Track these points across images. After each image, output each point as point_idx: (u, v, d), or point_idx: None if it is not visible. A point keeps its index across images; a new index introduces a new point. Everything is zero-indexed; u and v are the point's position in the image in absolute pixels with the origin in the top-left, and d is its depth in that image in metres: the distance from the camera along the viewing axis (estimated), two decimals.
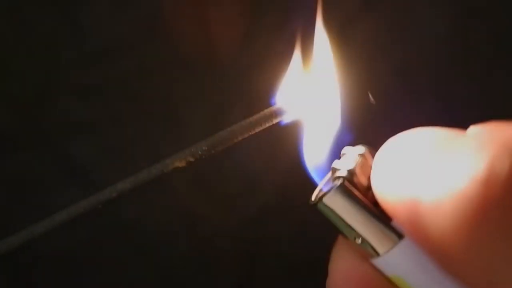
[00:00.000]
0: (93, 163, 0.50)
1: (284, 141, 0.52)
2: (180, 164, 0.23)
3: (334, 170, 0.23)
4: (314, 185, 0.23)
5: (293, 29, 0.50)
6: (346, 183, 0.22)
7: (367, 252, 0.22)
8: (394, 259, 0.21)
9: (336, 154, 0.24)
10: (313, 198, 0.22)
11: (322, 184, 0.23)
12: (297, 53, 0.26)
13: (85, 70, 0.49)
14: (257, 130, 0.23)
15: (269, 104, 0.25)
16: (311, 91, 0.25)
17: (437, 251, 0.18)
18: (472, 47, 0.50)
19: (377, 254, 0.21)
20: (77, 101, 0.49)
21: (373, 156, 0.22)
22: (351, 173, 0.22)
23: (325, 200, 0.22)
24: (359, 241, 0.22)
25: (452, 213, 0.17)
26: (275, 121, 0.23)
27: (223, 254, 0.53)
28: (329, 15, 0.49)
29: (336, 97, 0.25)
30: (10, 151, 0.50)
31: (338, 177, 0.22)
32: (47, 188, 0.50)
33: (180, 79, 0.51)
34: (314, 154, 0.24)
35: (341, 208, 0.22)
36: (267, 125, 0.23)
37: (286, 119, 0.23)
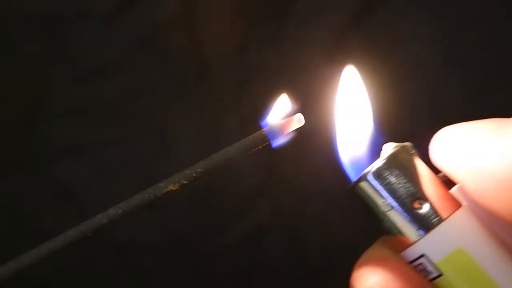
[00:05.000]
0: (83, 185, 0.50)
1: (280, 158, 0.51)
2: (174, 187, 0.22)
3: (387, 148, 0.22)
4: (349, 182, 0.23)
5: (285, 43, 0.50)
6: (409, 147, 0.22)
7: (419, 228, 0.21)
8: (459, 223, 0.21)
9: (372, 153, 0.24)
10: (366, 170, 0.22)
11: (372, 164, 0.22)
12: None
13: (75, 91, 0.49)
14: (251, 151, 0.22)
15: (262, 124, 0.25)
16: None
17: (504, 212, 0.19)
18: (465, 60, 0.50)
19: (440, 219, 0.21)
20: (67, 122, 0.49)
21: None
22: (409, 145, 0.22)
23: (386, 162, 0.21)
24: (421, 208, 0.21)
25: None
26: (269, 142, 0.22)
27: (220, 272, 0.52)
28: (322, 31, 0.49)
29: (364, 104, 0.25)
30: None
31: (396, 147, 0.22)
32: (37, 211, 0.50)
33: (171, 97, 0.50)
34: (349, 153, 0.24)
35: (404, 168, 0.21)
36: (261, 146, 0.22)
37: (278, 140, 0.23)
